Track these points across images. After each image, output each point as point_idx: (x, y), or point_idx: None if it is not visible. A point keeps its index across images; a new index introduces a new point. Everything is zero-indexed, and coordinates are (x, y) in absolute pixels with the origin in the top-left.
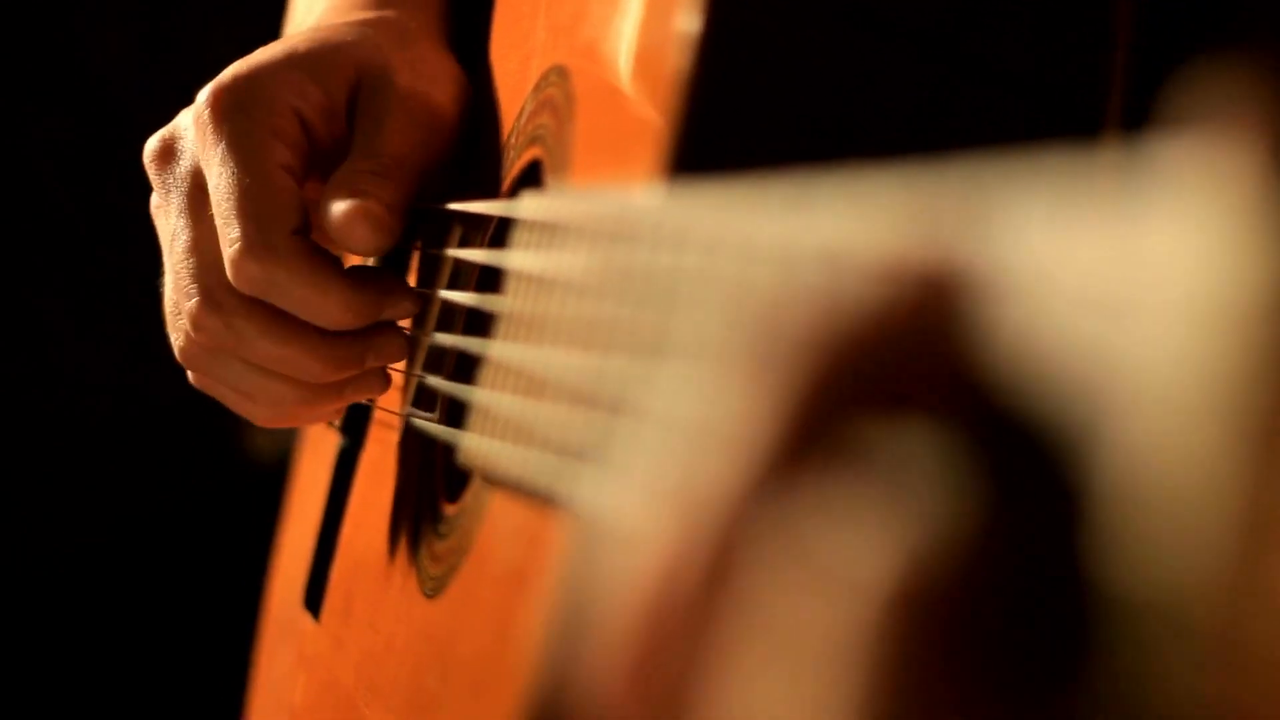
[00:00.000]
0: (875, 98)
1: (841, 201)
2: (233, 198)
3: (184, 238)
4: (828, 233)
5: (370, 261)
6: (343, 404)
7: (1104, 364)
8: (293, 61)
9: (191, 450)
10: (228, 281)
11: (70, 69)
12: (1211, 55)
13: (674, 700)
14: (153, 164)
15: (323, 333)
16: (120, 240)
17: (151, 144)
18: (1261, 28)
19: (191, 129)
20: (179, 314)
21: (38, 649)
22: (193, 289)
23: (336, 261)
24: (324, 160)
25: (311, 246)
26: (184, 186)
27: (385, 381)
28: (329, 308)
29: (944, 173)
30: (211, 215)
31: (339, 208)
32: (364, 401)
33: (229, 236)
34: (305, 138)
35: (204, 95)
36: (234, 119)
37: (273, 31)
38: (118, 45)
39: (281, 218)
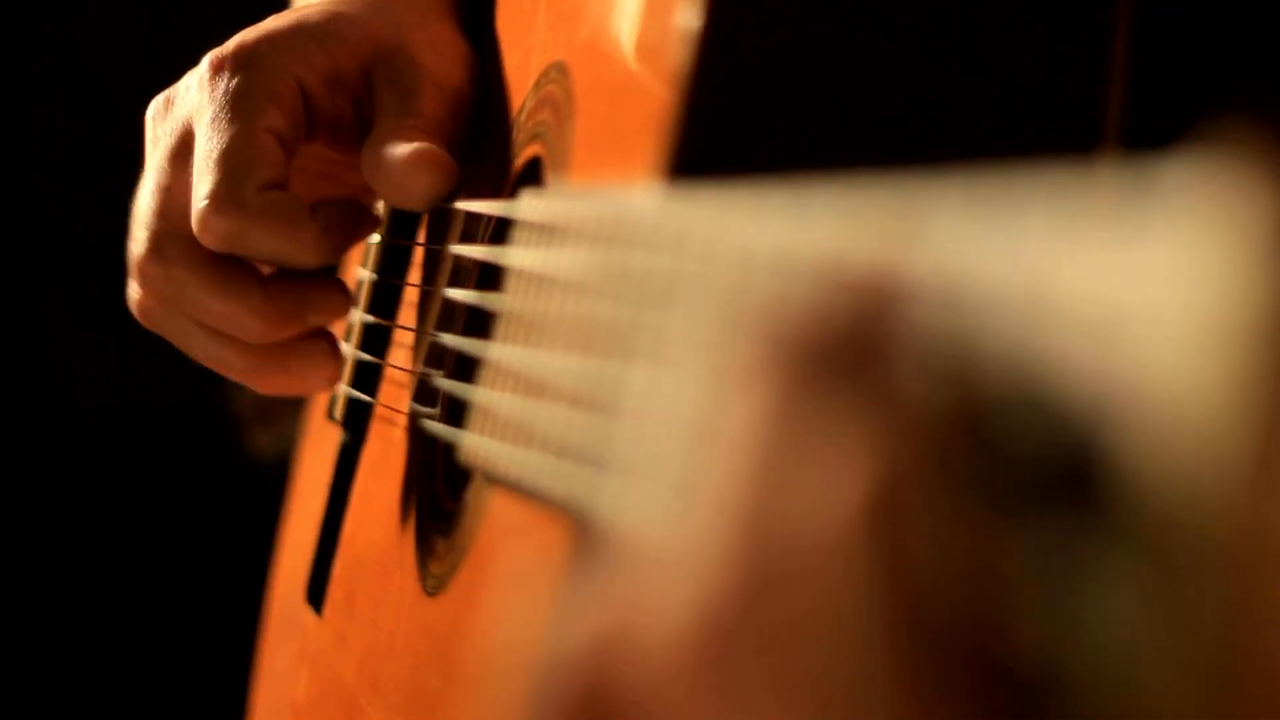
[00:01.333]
0: (873, 98)
1: (829, 209)
2: (213, 155)
3: (155, 181)
4: (817, 239)
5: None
6: (290, 380)
7: (1099, 380)
8: (302, 30)
9: (192, 449)
10: (179, 231)
11: (70, 69)
12: (1218, 75)
13: (739, 679)
14: (151, 120)
15: (262, 286)
16: (120, 240)
17: (155, 102)
18: (1263, 39)
19: (193, 88)
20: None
21: (40, 648)
22: (143, 236)
23: (303, 209)
24: (327, 128)
25: (282, 198)
26: (172, 137)
27: (334, 357)
28: (303, 254)
29: (914, 181)
30: (190, 167)
31: (398, 153)
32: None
33: (200, 191)
34: (304, 105)
35: (209, 57)
36: (233, 80)
37: None
38: (118, 45)
39: (255, 174)
